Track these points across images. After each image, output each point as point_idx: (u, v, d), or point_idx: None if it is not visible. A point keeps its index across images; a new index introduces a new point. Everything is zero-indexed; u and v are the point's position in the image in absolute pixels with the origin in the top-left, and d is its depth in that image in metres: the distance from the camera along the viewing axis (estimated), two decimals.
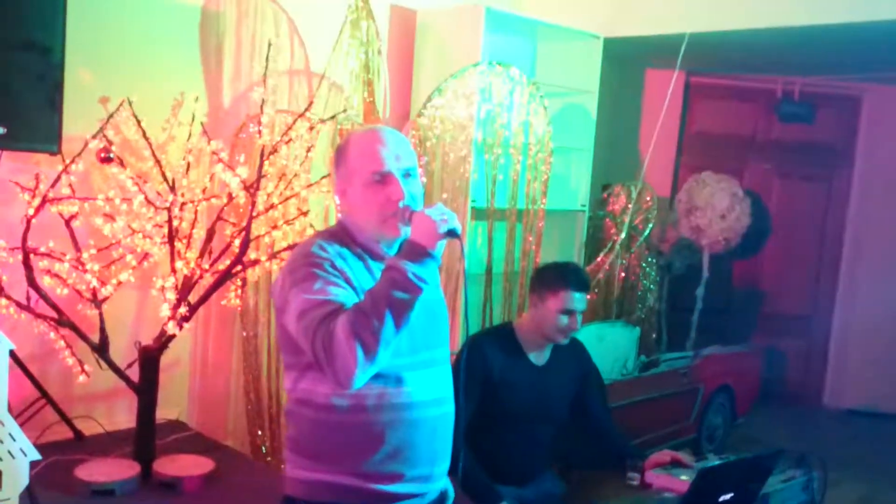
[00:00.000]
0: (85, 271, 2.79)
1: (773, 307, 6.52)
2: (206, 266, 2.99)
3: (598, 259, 5.01)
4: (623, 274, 5.21)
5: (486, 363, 2.72)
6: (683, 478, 2.54)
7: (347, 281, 1.77)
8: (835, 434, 5.87)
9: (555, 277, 2.78)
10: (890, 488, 4.78)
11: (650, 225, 5.31)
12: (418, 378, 1.84)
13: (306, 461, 1.85)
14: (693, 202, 5.55)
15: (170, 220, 2.87)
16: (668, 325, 5.73)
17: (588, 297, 2.83)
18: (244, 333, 3.57)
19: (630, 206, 5.14)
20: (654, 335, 5.48)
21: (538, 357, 2.84)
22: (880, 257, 6.28)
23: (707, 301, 5.75)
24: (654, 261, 5.47)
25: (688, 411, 4.80)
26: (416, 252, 1.70)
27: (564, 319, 2.72)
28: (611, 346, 4.32)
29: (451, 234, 1.73)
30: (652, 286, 5.40)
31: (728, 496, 2.27)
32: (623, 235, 5.05)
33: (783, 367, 6.53)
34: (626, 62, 5.65)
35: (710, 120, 6.35)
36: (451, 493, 2.01)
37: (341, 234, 1.88)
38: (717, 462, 2.52)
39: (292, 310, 1.74)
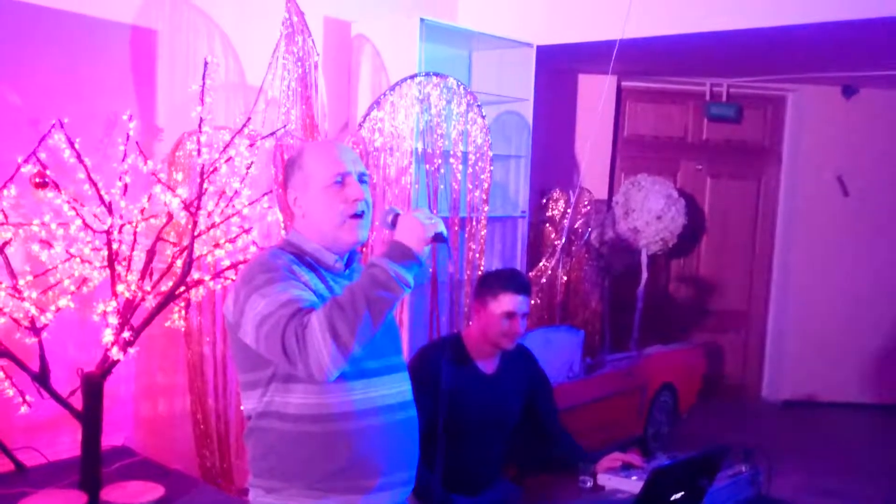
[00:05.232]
0: (22, 299, 2.71)
1: (711, 304, 6.69)
2: (148, 288, 2.94)
3: (541, 264, 5.07)
4: (565, 278, 5.28)
5: (432, 374, 2.73)
6: (634, 478, 2.58)
7: (306, 284, 1.77)
8: (773, 425, 6.04)
9: (494, 282, 2.83)
10: (827, 474, 4.93)
11: (589, 228, 5.40)
12: (384, 383, 1.85)
13: (274, 483, 1.82)
14: (629, 204, 5.65)
15: (109, 243, 2.81)
16: (610, 326, 5.83)
17: (530, 300, 2.87)
18: (189, 354, 3.51)
19: (569, 210, 5.22)
20: (597, 337, 5.57)
21: (487, 365, 2.86)
22: (809, 251, 6.49)
23: (647, 301, 5.86)
24: (595, 263, 5.56)
25: (633, 410, 4.88)
26: (403, 253, 1.71)
27: (506, 323, 2.75)
28: (557, 350, 4.37)
29: (439, 238, 1.75)
30: (593, 289, 5.49)
31: (679, 495, 2.32)
32: (563, 240, 5.12)
33: (722, 362, 6.70)
34: (559, 69, 5.74)
35: (643, 123, 6.49)
36: None
37: (289, 248, 1.90)
38: (667, 462, 2.56)
39: (252, 316, 1.73)
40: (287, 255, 1.84)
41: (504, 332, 2.77)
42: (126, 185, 2.90)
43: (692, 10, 4.30)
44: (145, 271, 2.96)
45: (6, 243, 2.76)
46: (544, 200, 5.43)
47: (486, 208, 4.20)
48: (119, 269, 2.86)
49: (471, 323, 3.09)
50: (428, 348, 2.88)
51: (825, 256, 6.43)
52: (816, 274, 6.46)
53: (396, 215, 1.82)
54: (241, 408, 1.92)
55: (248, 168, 3.05)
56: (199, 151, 2.93)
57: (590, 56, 5.22)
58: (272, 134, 3.28)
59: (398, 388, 1.91)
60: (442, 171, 4.00)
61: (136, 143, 2.97)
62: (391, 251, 1.72)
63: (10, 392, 2.78)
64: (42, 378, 2.78)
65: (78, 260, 2.85)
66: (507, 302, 2.76)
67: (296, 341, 1.64)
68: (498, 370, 2.88)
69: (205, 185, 2.93)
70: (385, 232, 3.54)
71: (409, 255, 1.71)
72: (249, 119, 3.12)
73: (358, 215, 1.87)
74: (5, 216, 2.75)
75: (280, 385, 1.79)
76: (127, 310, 2.86)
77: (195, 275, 3.00)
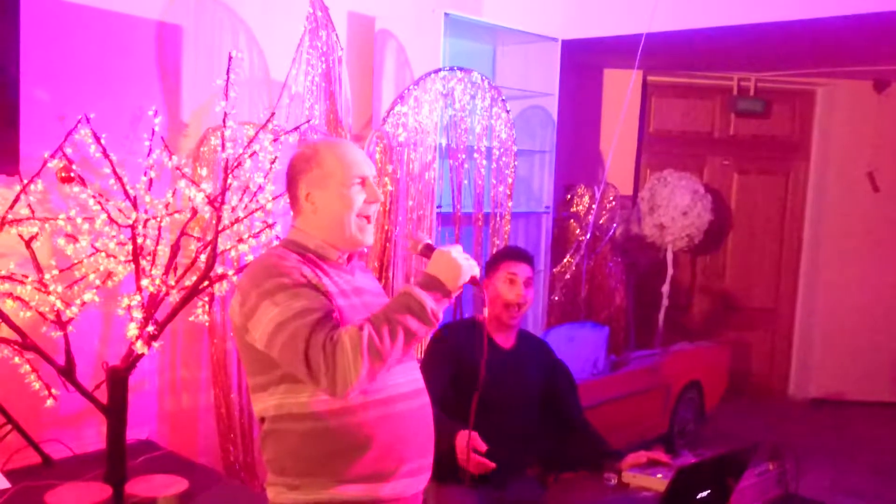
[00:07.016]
0: (48, 293, 2.73)
1: (737, 301, 6.62)
2: (173, 283, 2.95)
3: (565, 260, 5.04)
4: (590, 274, 5.24)
5: (453, 346, 2.83)
6: (660, 476, 2.56)
7: (315, 287, 1.77)
8: (801, 423, 5.96)
9: (494, 258, 3.02)
10: (856, 473, 4.87)
11: (614, 224, 5.36)
12: (396, 372, 1.85)
13: (297, 480, 1.82)
14: (655, 200, 5.61)
15: (133, 238, 2.82)
16: (635, 322, 5.78)
17: (532, 270, 2.95)
18: (213, 349, 3.52)
19: (594, 206, 5.18)
20: (622, 334, 5.53)
21: (505, 340, 2.94)
22: (838, 248, 6.40)
23: (672, 298, 5.81)
24: (620, 259, 5.52)
25: (659, 408, 4.84)
26: (437, 288, 1.74)
27: (507, 288, 2.86)
28: (581, 347, 4.34)
29: (474, 281, 1.79)
30: (618, 285, 5.44)
31: (705, 493, 2.29)
32: (588, 235, 5.08)
33: (749, 360, 6.63)
34: (585, 63, 5.69)
35: (669, 118, 6.43)
36: None
37: (292, 247, 1.90)
38: (693, 460, 2.53)
39: (265, 322, 1.73)
40: (292, 254, 1.85)
41: (506, 298, 2.85)
42: (151, 180, 2.91)
43: (720, 2, 4.25)
44: (170, 266, 2.96)
45: (33, 237, 2.77)
46: (569, 196, 5.40)
47: (510, 204, 4.18)
48: (144, 263, 2.87)
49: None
50: (446, 326, 2.94)
51: (854, 253, 6.34)
52: (845, 271, 6.36)
53: (427, 245, 1.85)
54: (254, 410, 1.91)
55: (272, 163, 3.05)
56: (223, 146, 2.93)
57: (615, 50, 5.17)
58: (296, 129, 3.27)
59: (410, 376, 1.92)
60: (466, 166, 3.98)
61: (162, 138, 2.98)
62: (426, 284, 1.74)
63: (37, 385, 2.80)
64: (68, 372, 2.80)
65: (103, 254, 2.86)
66: (504, 268, 2.89)
67: (323, 357, 1.65)
68: (516, 346, 2.96)
69: (229, 181, 2.93)
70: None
71: (444, 292, 1.74)
72: (273, 114, 3.12)
73: (367, 218, 1.91)
74: (32, 210, 2.77)
75: (291, 385, 1.79)
76: (151, 304, 2.87)
77: (219, 269, 3.00)
